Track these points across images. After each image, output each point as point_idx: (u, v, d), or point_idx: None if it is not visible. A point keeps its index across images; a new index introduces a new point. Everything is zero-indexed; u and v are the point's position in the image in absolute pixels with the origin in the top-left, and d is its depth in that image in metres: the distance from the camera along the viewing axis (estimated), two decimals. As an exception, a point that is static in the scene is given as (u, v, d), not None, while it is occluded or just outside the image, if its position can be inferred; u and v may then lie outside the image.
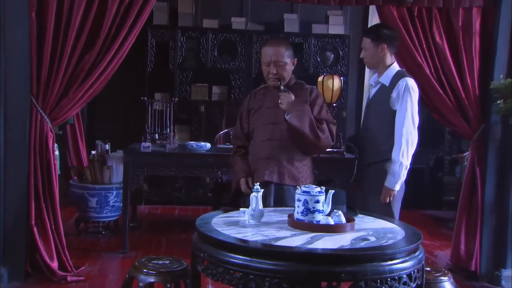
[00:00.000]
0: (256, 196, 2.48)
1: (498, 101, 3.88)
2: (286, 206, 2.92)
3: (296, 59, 3.21)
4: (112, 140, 5.19)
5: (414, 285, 2.21)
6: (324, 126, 3.09)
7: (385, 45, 3.36)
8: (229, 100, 6.46)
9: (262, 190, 2.55)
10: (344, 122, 6.59)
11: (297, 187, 2.47)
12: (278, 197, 3.09)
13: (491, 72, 4.03)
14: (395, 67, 3.41)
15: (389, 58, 3.40)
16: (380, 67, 3.42)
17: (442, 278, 2.83)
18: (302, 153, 3.15)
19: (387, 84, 3.36)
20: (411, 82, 3.30)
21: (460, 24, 4.02)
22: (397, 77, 3.33)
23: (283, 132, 3.10)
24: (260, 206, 2.48)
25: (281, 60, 3.08)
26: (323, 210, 2.41)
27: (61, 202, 3.92)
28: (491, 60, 4.05)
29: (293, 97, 3.05)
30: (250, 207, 2.49)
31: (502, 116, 4.01)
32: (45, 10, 3.59)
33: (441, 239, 5.37)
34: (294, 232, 2.33)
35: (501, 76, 3.96)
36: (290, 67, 3.14)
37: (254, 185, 2.55)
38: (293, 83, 3.20)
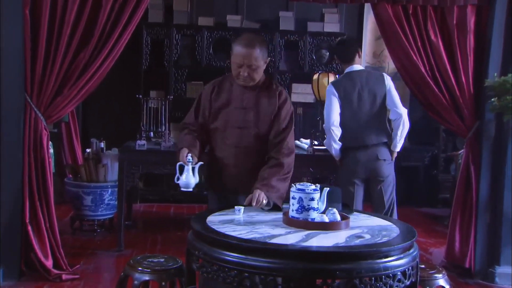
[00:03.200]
0: (188, 167, 2.66)
1: (493, 99, 3.89)
2: None
3: (269, 58, 2.99)
4: (107, 138, 5.18)
5: (408, 282, 2.22)
6: (285, 159, 2.86)
7: (335, 56, 4.18)
8: (224, 98, 6.43)
9: (200, 163, 2.73)
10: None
11: (292, 184, 2.47)
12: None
13: (486, 70, 4.04)
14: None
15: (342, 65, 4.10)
16: None
17: (436, 275, 2.83)
18: (262, 159, 2.93)
19: None
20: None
21: (454, 22, 4.03)
22: None
23: (250, 138, 2.91)
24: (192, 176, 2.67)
25: (254, 63, 2.83)
26: (318, 208, 2.41)
27: (56, 200, 3.92)
28: (486, 58, 4.06)
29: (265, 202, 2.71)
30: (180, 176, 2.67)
31: (496, 114, 4.02)
32: (39, 7, 3.57)
33: (435, 236, 5.39)
34: (289, 230, 2.33)
35: (495, 74, 3.96)
36: (262, 69, 2.92)
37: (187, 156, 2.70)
38: (262, 82, 2.97)
